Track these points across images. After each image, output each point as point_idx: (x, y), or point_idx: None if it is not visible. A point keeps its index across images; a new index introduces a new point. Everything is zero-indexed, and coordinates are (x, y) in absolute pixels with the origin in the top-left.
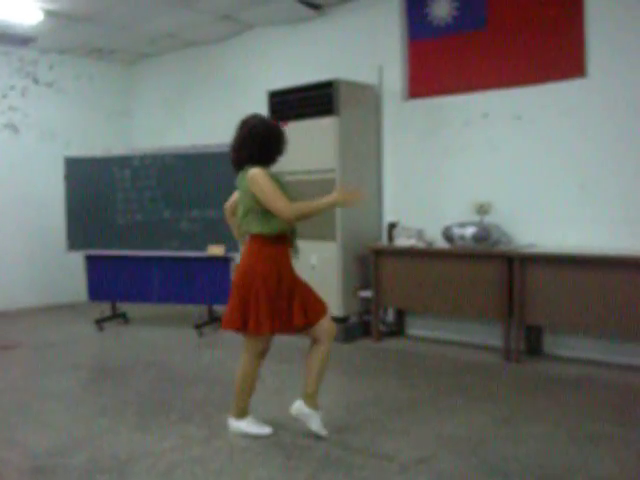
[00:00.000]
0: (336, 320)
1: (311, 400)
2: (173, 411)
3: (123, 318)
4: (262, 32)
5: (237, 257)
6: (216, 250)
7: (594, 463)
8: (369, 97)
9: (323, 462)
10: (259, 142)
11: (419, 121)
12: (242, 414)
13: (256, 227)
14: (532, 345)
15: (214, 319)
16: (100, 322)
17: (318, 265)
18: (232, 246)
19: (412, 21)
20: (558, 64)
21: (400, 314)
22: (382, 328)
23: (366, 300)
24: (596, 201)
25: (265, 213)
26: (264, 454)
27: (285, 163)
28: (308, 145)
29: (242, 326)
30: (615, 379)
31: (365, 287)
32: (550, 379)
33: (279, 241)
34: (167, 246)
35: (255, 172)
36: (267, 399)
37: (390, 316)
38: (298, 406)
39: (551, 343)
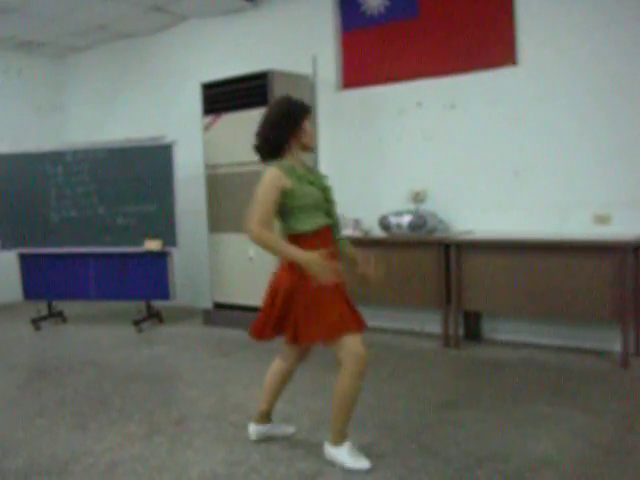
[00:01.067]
0: None
1: (337, 438)
2: (112, 409)
3: (60, 317)
4: (196, 24)
5: (174, 251)
6: (153, 245)
7: (532, 443)
8: (304, 88)
9: (264, 455)
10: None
11: (354, 111)
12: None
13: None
14: (471, 330)
15: (153, 315)
16: (36, 322)
17: (256, 257)
18: (169, 240)
19: (345, 12)
20: (490, 53)
21: None
22: None
23: None
24: (530, 187)
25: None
26: (205, 449)
27: (219, 155)
28: (243, 136)
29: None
30: (551, 361)
31: None
32: (488, 363)
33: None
34: (103, 242)
35: (267, 171)
36: (208, 393)
37: None
38: (326, 451)
39: (489, 328)
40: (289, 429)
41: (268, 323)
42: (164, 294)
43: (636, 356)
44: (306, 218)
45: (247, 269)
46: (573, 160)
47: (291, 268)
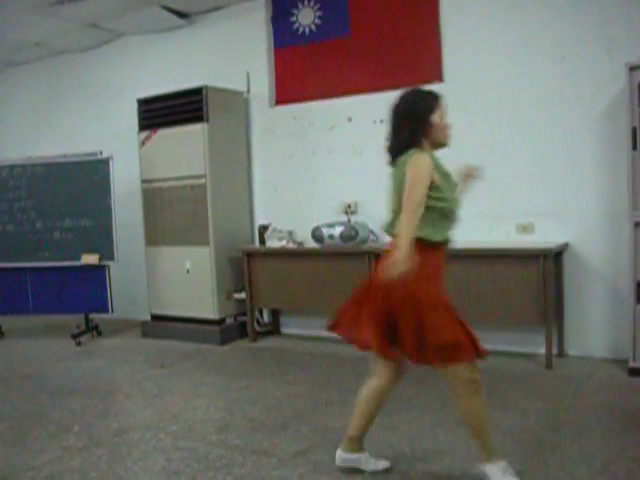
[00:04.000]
0: (212, 323)
1: (488, 455)
2: (51, 422)
3: None
4: (131, 40)
5: (112, 265)
6: (90, 259)
7: (462, 444)
8: (238, 103)
9: (203, 463)
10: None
11: (287, 126)
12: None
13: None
14: None
15: (91, 328)
16: None
17: (192, 269)
18: (106, 254)
19: (278, 29)
20: (417, 70)
21: (275, 314)
22: (257, 328)
23: (241, 302)
24: None
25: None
26: (145, 459)
27: (156, 170)
28: (179, 152)
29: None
30: (480, 364)
31: (240, 289)
32: (419, 368)
33: None
34: (40, 256)
35: (418, 157)
36: (147, 404)
37: (265, 316)
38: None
39: None
40: (381, 464)
41: (384, 336)
42: (102, 307)
43: (559, 358)
44: (439, 226)
45: (184, 281)
46: (497, 173)
47: (424, 277)
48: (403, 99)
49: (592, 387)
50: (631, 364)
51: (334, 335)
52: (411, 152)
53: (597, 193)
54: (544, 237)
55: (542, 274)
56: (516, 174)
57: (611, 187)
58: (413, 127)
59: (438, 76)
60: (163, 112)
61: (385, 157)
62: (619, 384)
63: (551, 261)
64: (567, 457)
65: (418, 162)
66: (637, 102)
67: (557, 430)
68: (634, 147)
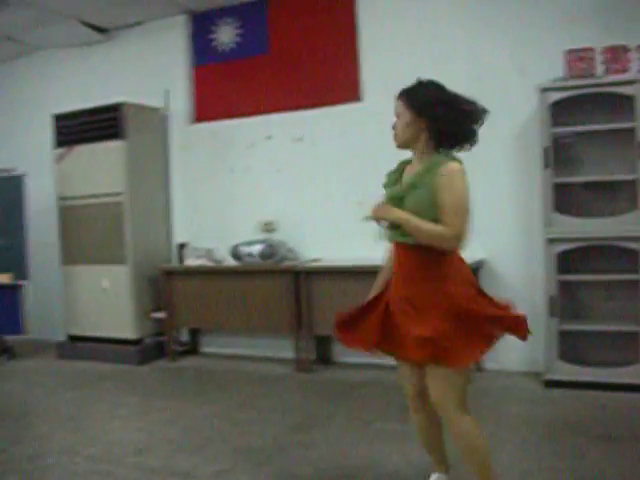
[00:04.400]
0: (130, 343)
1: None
2: None
3: None
4: (48, 54)
5: (27, 285)
6: (3, 278)
7: (383, 459)
8: (157, 120)
9: None
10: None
11: (206, 144)
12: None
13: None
14: (322, 354)
15: (4, 350)
16: None
17: (110, 288)
18: (20, 273)
19: (197, 46)
20: (336, 89)
21: (194, 333)
22: (177, 348)
23: (160, 321)
24: None
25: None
26: None
27: (72, 187)
28: (95, 169)
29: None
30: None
31: (158, 308)
32: (339, 385)
33: None
34: None
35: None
36: (62, 427)
37: (184, 335)
38: None
39: (340, 352)
40: None
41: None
42: (16, 328)
43: (476, 372)
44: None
45: (101, 301)
46: None
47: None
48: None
49: (509, 400)
50: (546, 376)
51: (255, 354)
52: (446, 156)
53: (511, 210)
54: (461, 253)
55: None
56: None
57: (525, 205)
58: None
59: (356, 95)
60: (80, 128)
61: (303, 175)
62: (535, 396)
63: None
64: None
65: (457, 175)
66: (548, 123)
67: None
68: (546, 166)
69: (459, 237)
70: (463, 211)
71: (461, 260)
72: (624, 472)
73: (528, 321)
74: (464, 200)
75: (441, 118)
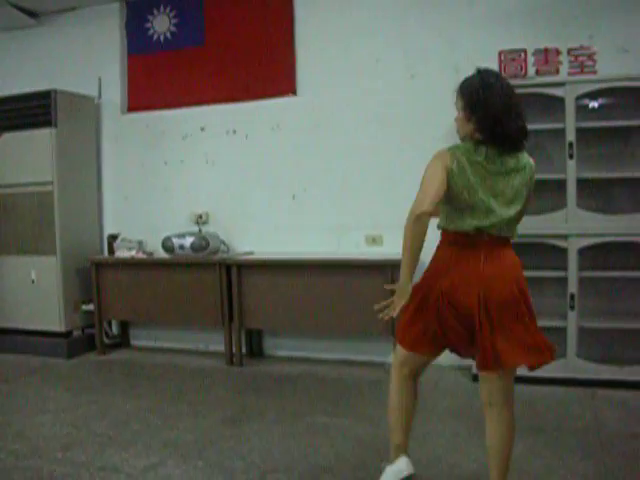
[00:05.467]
0: (58, 335)
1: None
2: None
3: None
4: None
5: None
6: None
7: (313, 453)
8: (89, 109)
9: None
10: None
11: (139, 134)
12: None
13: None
14: (254, 348)
15: None
16: None
17: (37, 280)
18: None
19: (132, 35)
20: (272, 82)
21: (124, 326)
22: (106, 341)
23: (89, 313)
24: (307, 210)
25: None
26: None
27: (1, 175)
28: (24, 157)
29: None
30: (329, 374)
31: (88, 300)
32: (271, 378)
33: None
34: None
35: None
36: None
37: (114, 328)
38: None
39: (271, 345)
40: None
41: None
42: None
43: None
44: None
45: (29, 292)
46: (347, 185)
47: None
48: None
49: (438, 393)
50: (475, 370)
51: (186, 347)
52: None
53: None
54: (393, 248)
55: (391, 284)
56: (367, 187)
57: None
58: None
59: (292, 89)
60: (9, 115)
61: (237, 167)
62: (464, 390)
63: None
64: (414, 461)
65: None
66: None
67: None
68: None
69: (410, 212)
70: (421, 189)
71: (441, 251)
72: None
73: None
74: (424, 179)
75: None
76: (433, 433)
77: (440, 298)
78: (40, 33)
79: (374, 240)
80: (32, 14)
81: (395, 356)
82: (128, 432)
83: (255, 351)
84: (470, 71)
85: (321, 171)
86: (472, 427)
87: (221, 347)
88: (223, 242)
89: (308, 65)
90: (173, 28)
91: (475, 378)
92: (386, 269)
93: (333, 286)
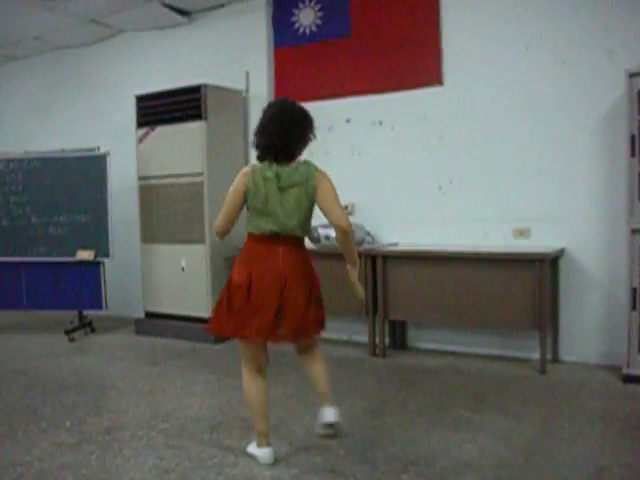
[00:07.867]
0: (206, 321)
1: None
2: (43, 418)
3: None
4: (132, 36)
5: (107, 261)
6: (85, 255)
7: (455, 447)
8: (237, 102)
9: (195, 462)
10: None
11: None
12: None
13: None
14: (397, 339)
15: (85, 324)
16: None
17: (187, 267)
18: (102, 250)
19: (278, 28)
20: (417, 73)
21: None
22: None
23: None
24: (453, 202)
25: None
26: (136, 457)
27: (153, 167)
28: (177, 149)
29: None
30: (473, 368)
31: None
32: (413, 370)
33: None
34: (35, 251)
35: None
36: (139, 401)
37: None
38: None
39: (414, 337)
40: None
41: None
42: (96, 304)
43: (553, 363)
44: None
45: (179, 279)
46: (494, 176)
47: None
48: (305, 112)
49: (586, 393)
50: (625, 371)
51: (330, 337)
52: (304, 161)
53: (595, 199)
54: (541, 242)
55: (538, 279)
56: (514, 178)
57: (609, 193)
58: (306, 138)
59: (438, 79)
60: (161, 109)
61: (382, 158)
62: (613, 391)
63: (547, 266)
64: (560, 462)
65: (326, 177)
66: (636, 109)
67: (550, 435)
68: (632, 154)
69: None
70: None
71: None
72: None
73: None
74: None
75: None
76: (580, 434)
77: None
78: (190, 30)
79: (522, 233)
80: (183, 13)
81: None
82: (272, 417)
83: (398, 343)
84: (626, 55)
85: (467, 162)
86: (621, 430)
87: (364, 338)
88: (368, 233)
89: (454, 55)
90: (319, 20)
91: (626, 379)
92: (534, 263)
93: (479, 279)
